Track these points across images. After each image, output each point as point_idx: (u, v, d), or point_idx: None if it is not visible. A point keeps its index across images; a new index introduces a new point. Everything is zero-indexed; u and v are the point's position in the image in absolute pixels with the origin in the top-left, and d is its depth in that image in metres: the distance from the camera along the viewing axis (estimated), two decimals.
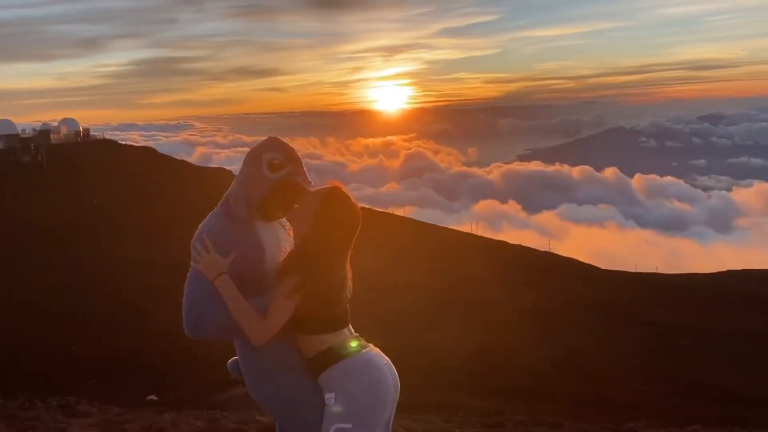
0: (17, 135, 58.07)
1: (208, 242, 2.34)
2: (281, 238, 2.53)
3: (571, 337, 19.12)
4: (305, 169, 2.43)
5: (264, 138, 2.52)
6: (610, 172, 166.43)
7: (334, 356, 2.32)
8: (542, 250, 39.13)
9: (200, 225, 2.45)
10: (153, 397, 9.64)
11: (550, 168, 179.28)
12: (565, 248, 54.27)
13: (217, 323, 2.33)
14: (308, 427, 2.37)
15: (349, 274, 2.49)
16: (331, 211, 2.32)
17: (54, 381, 13.79)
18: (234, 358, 2.56)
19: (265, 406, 2.57)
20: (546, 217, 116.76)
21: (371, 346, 2.46)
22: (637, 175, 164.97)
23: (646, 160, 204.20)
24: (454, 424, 6.52)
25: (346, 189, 2.39)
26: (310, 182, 2.42)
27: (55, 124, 64.18)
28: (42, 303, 21.04)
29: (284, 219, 2.57)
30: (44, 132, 59.84)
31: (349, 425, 2.22)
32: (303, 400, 2.40)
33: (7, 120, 61.94)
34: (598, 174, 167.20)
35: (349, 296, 2.47)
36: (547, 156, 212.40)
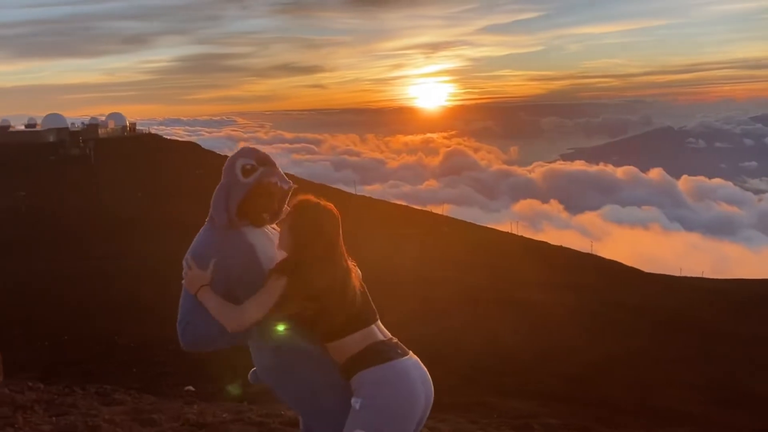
0: (67, 129, 59.99)
1: (189, 260, 2.43)
2: (275, 241, 2.54)
3: (612, 341, 18.73)
4: (280, 170, 2.51)
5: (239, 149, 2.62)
6: (656, 173, 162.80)
7: (364, 361, 2.29)
8: (584, 251, 38.51)
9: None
10: (190, 387, 9.80)
11: (594, 168, 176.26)
12: (608, 250, 53.27)
13: (208, 336, 2.41)
14: (331, 421, 2.36)
15: (355, 273, 2.47)
16: (303, 222, 2.37)
17: (96, 369, 14.11)
18: (253, 369, 2.59)
19: (288, 403, 2.58)
20: (588, 217, 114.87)
21: (410, 354, 2.39)
22: (684, 177, 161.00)
23: (694, 161, 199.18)
24: (479, 425, 6.41)
25: (313, 198, 2.43)
26: (287, 181, 2.50)
27: (103, 118, 66.00)
28: (85, 292, 21.65)
29: (275, 230, 2.61)
30: (92, 126, 61.61)
31: None
32: (325, 394, 2.40)
33: (57, 114, 64.05)
34: (643, 175, 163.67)
35: (358, 294, 2.42)
36: (591, 155, 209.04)
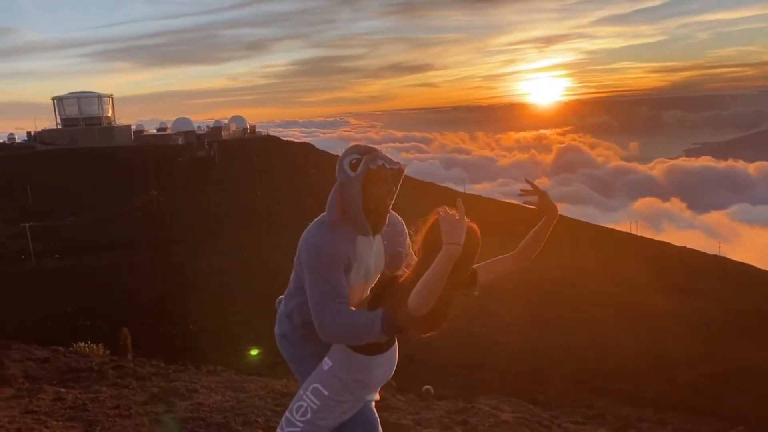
0: (194, 132, 64.00)
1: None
2: (378, 251, 2.64)
3: (739, 349, 17.47)
4: (384, 154, 2.56)
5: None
6: None
7: (363, 347, 2.54)
8: (711, 253, 36.05)
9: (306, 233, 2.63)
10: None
11: (722, 164, 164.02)
12: (737, 252, 49.47)
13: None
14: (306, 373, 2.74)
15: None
16: (434, 240, 2.35)
17: (215, 357, 15.04)
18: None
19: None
20: (715, 217, 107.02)
21: (393, 346, 2.64)
22: None
23: None
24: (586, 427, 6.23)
25: (452, 218, 2.31)
26: (394, 162, 2.53)
27: (226, 121, 69.74)
28: (213, 285, 23.08)
29: (400, 223, 2.70)
30: (216, 129, 65.30)
31: (326, 392, 2.59)
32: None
33: (185, 118, 68.52)
34: None
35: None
36: (719, 151, 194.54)
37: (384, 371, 2.64)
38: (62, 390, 4.30)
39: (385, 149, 2.70)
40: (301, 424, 2.62)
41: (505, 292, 21.35)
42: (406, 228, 2.72)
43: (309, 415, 2.61)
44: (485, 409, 5.17)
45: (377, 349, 2.54)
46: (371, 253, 2.62)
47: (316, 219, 2.65)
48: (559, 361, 15.24)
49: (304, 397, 2.63)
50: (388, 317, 2.39)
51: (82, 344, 6.71)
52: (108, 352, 6.88)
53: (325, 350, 2.64)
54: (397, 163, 2.54)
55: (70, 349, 6.34)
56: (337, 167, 2.63)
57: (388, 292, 2.54)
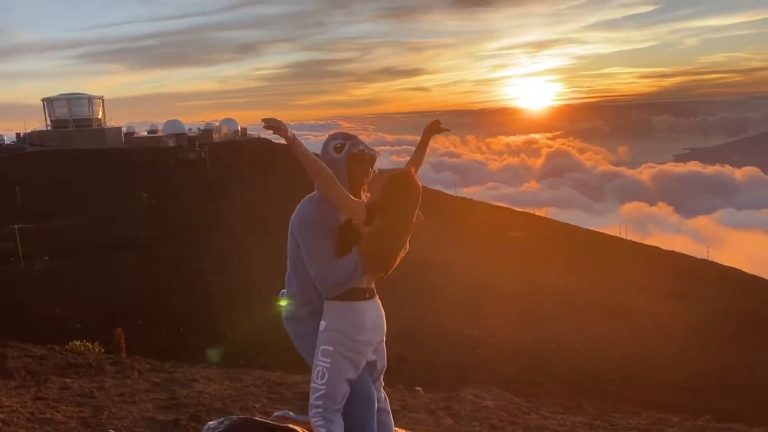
0: (185, 134, 63.85)
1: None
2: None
3: (729, 352, 17.64)
4: (364, 141, 3.05)
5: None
6: None
7: (338, 296, 2.97)
8: (699, 257, 36.34)
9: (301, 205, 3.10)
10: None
11: (709, 169, 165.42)
12: (724, 256, 49.85)
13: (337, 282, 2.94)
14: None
15: (406, 246, 3.02)
16: (392, 190, 2.89)
17: (202, 355, 15.05)
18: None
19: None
20: (701, 221, 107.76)
21: (374, 299, 3.08)
22: None
23: None
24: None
25: (411, 174, 2.95)
26: (371, 149, 3.05)
27: (217, 123, 69.60)
28: (202, 285, 23.05)
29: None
30: (207, 131, 65.19)
31: (331, 348, 2.95)
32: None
33: (176, 120, 68.30)
34: (766, 176, 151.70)
35: (397, 261, 3.00)
36: (708, 156, 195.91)
37: (373, 316, 3.05)
38: (68, 380, 4.39)
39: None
40: (323, 387, 2.96)
41: (497, 294, 21.47)
42: None
43: (327, 375, 2.95)
44: (468, 397, 5.39)
45: (358, 294, 2.98)
46: None
47: (304, 198, 3.09)
48: (550, 363, 15.33)
49: (317, 362, 2.99)
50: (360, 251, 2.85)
51: (77, 343, 6.74)
52: (103, 350, 6.91)
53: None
54: (373, 149, 3.05)
55: (66, 347, 6.38)
56: (321, 150, 3.06)
57: (348, 234, 2.95)
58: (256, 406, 4.34)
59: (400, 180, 2.92)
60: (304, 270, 2.97)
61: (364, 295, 3.00)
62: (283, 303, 3.12)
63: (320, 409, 2.96)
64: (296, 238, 2.99)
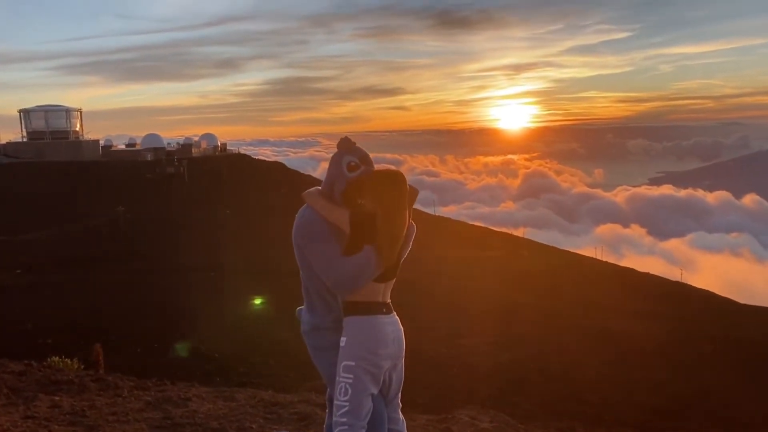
0: (164, 148, 63.38)
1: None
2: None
3: (702, 374, 17.87)
4: (373, 165, 3.10)
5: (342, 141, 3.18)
6: (750, 199, 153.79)
7: (357, 310, 3.00)
8: (673, 279, 36.90)
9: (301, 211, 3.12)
10: None
11: (682, 192, 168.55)
12: (696, 279, 50.76)
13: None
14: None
15: (404, 252, 3.11)
16: (381, 190, 2.97)
17: (184, 375, 14.82)
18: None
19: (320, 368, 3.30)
20: (674, 244, 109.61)
21: (392, 314, 3.11)
22: None
23: None
24: None
25: (400, 177, 3.02)
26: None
27: (196, 138, 69.27)
28: (177, 302, 22.74)
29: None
30: (186, 146, 64.79)
31: (353, 363, 2.95)
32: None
33: (155, 134, 67.85)
34: (736, 201, 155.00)
35: (396, 265, 3.06)
36: (681, 180, 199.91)
37: (393, 330, 3.08)
38: (56, 398, 4.32)
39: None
40: (347, 403, 2.95)
41: (465, 314, 21.52)
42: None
43: (351, 391, 2.95)
44: (465, 418, 5.39)
45: (376, 308, 3.01)
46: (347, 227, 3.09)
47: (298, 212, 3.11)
48: (528, 383, 15.37)
49: (339, 378, 2.99)
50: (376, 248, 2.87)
51: (56, 358, 6.64)
52: (83, 367, 6.81)
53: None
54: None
55: (44, 363, 6.28)
56: (333, 160, 3.10)
57: (366, 227, 2.96)
58: (253, 426, 4.33)
59: (391, 177, 3.02)
60: (318, 277, 2.97)
61: (381, 309, 3.03)
62: (302, 317, 3.16)
63: (345, 427, 2.93)
64: (300, 246, 2.98)
